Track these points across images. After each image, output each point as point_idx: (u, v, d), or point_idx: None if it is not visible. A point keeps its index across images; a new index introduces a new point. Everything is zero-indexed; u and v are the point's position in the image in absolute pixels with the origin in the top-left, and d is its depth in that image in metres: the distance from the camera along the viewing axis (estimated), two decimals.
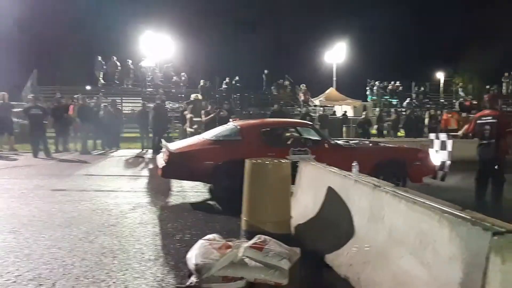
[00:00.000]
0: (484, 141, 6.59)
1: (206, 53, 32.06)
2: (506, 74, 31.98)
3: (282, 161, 4.62)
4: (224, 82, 26.68)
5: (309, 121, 16.86)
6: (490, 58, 37.12)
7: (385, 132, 18.98)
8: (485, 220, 2.61)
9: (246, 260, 3.42)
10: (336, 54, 31.40)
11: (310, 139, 7.72)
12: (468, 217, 2.64)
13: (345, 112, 22.85)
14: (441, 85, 34.65)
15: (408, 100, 28.46)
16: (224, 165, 6.54)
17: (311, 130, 8.05)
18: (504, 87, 32.31)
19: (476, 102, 27.37)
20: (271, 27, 39.22)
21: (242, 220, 4.61)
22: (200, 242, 3.68)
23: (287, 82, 27.28)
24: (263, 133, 7.55)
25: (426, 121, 18.84)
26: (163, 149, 7.26)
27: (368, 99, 29.98)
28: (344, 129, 20.16)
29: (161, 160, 7.13)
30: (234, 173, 5.72)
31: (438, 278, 2.69)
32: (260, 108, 23.49)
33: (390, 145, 8.58)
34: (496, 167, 6.42)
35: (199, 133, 11.83)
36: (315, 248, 4.19)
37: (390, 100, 29.48)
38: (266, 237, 3.70)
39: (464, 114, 18.68)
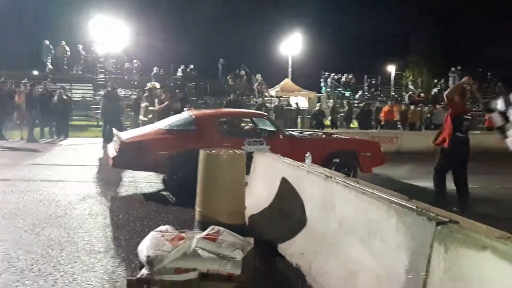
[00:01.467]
0: (463, 136, 6.49)
1: (161, 39, 31.33)
2: (453, 69, 33.45)
3: (237, 151, 4.61)
4: (179, 70, 26.23)
5: (264, 111, 16.96)
6: (438, 53, 38.76)
7: (338, 123, 19.39)
8: (430, 210, 2.72)
9: (199, 251, 3.40)
10: (292, 45, 31.62)
11: (265, 129, 7.75)
12: (414, 207, 2.74)
13: (297, 103, 23.10)
14: (392, 78, 35.75)
15: (360, 92, 29.18)
16: (178, 155, 6.47)
17: (266, 121, 8.09)
18: (450, 81, 33.80)
19: (424, 96, 28.55)
20: (228, 16, 38.96)
21: (196, 211, 4.58)
22: (152, 233, 3.62)
23: (243, 72, 27.19)
24: (218, 123, 7.51)
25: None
26: (115, 138, 7.08)
27: (322, 91, 30.47)
28: (299, 120, 20.42)
29: (112, 149, 6.95)
30: (188, 163, 5.75)
31: (385, 266, 2.78)
32: (216, 97, 23.29)
33: (342, 137, 8.80)
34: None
35: (153, 122, 11.62)
36: (268, 238, 4.23)
37: (344, 92, 30.11)
38: (220, 227, 3.68)
39: (412, 107, 19.39)
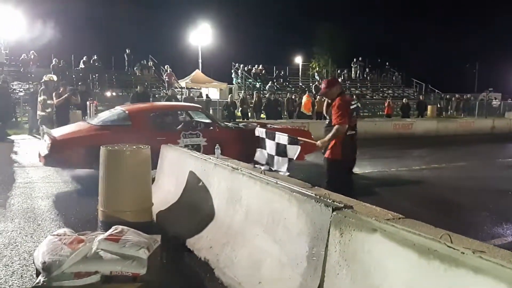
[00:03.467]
0: (353, 131, 5.24)
1: (62, 28, 29.28)
2: (355, 59, 35.53)
3: (141, 146, 4.45)
4: (82, 61, 24.76)
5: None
6: (342, 44, 40.88)
7: (249, 114, 19.64)
8: (328, 197, 2.86)
9: (101, 253, 3.25)
10: (201, 36, 31.36)
11: (200, 122, 7.77)
12: (313, 194, 2.86)
13: (207, 94, 23.02)
14: (300, 69, 37.03)
15: (270, 83, 29.85)
16: None
17: (202, 114, 8.08)
18: (353, 72, 35.91)
19: None
20: (134, 4, 37.45)
21: (99, 211, 4.36)
22: (49, 238, 3.39)
23: (151, 63, 26.42)
24: (152, 118, 7.40)
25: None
26: (44, 136, 6.82)
27: (234, 82, 30.68)
28: (210, 111, 20.35)
29: (43, 148, 6.60)
30: None
31: (288, 253, 2.88)
32: (122, 89, 22.36)
33: (276, 126, 8.97)
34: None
35: (52, 117, 10.86)
36: (177, 234, 4.17)
37: (254, 83, 30.58)
38: (124, 227, 3.55)
39: (318, 97, 20.23)
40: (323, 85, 4.88)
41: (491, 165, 10.11)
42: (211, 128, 7.55)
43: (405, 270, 2.06)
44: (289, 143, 4.30)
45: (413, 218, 3.79)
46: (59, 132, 6.99)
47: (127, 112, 7.29)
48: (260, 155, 4.64)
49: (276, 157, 4.42)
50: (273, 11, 41.14)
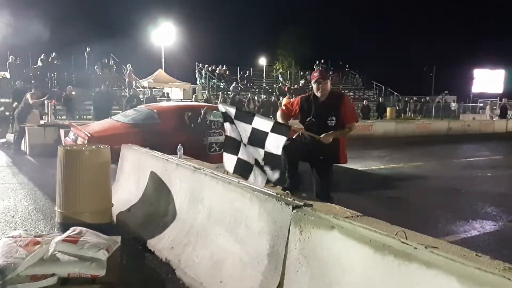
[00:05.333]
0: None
1: (18, 25, 28.15)
2: (317, 62, 36.05)
3: (101, 146, 4.37)
4: (40, 59, 23.89)
5: (136, 103, 16.38)
6: (305, 46, 41.45)
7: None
8: (289, 195, 2.90)
9: (58, 255, 3.17)
10: (164, 35, 30.98)
11: (219, 121, 7.89)
12: (274, 193, 2.90)
13: (167, 94, 22.76)
14: (264, 70, 37.22)
15: (234, 84, 29.82)
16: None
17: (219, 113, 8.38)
18: None
19: (292, 87, 30.28)
20: (95, 1, 36.54)
21: (57, 213, 4.24)
22: (3, 240, 3.27)
23: (112, 62, 25.83)
24: (180, 116, 7.59)
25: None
26: (72, 132, 7.34)
27: (197, 82, 30.48)
28: None
29: (78, 142, 6.81)
30: None
31: (249, 252, 2.90)
32: (83, 88, 21.73)
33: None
34: None
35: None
36: (138, 235, 4.12)
37: (218, 83, 30.48)
38: (82, 228, 3.48)
39: (282, 98, 20.45)
40: (317, 74, 4.28)
41: (447, 165, 10.51)
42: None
43: (361, 265, 2.12)
44: (272, 131, 3.62)
45: (372, 216, 3.91)
46: (92, 128, 7.18)
47: (155, 111, 7.64)
48: (228, 160, 4.13)
49: (251, 147, 3.78)
50: (238, 11, 41.25)
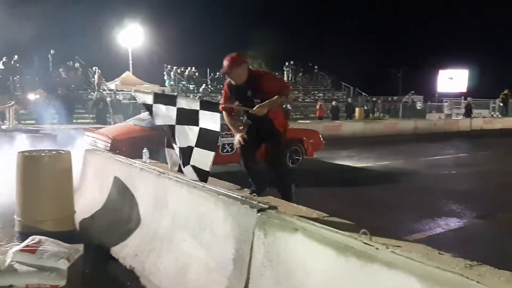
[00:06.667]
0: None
1: None
2: (287, 63, 36.27)
3: (62, 152, 4.23)
4: (1, 62, 23.10)
5: (103, 106, 16.05)
6: (275, 48, 41.64)
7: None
8: (254, 198, 2.87)
9: (16, 265, 3.05)
10: (131, 37, 30.49)
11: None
12: (239, 196, 2.86)
13: (134, 96, 22.38)
14: None
15: (204, 85, 29.62)
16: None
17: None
18: (285, 75, 36.64)
19: None
20: (60, 2, 35.56)
21: (16, 221, 4.08)
22: None
23: (77, 64, 25.22)
24: None
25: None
26: (89, 136, 7.72)
27: (166, 84, 30.11)
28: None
29: (99, 145, 7.11)
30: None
31: (215, 257, 2.85)
32: (47, 91, 21.11)
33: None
34: None
35: None
36: (101, 242, 4.00)
37: (188, 85, 30.20)
38: (42, 237, 3.35)
39: None
40: (226, 62, 4.03)
41: (413, 164, 10.73)
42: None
43: (325, 267, 2.10)
44: (202, 108, 3.52)
45: (340, 216, 3.93)
46: (112, 132, 7.56)
47: None
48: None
49: (181, 127, 3.61)
50: (207, 12, 41.04)
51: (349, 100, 26.90)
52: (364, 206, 6.27)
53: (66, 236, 3.76)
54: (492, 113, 28.64)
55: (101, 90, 21.47)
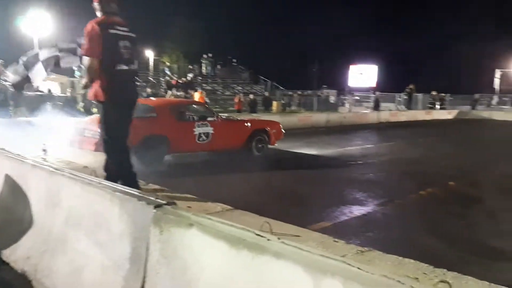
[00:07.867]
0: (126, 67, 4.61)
1: None
2: (205, 56, 36.03)
3: None
4: None
5: (3, 98, 14.79)
6: (194, 40, 41.08)
7: (94, 110, 18.38)
8: (152, 194, 2.78)
9: None
10: (36, 24, 28.28)
11: (206, 115, 9.29)
12: (135, 193, 2.75)
13: (49, 89, 20.94)
14: (151, 63, 36.07)
15: None
16: (146, 138, 7.66)
17: (205, 108, 10.21)
18: (203, 68, 36.40)
19: (180, 81, 29.83)
20: None
21: None
22: None
23: None
24: (173, 110, 8.81)
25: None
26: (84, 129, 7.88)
27: (76, 75, 28.42)
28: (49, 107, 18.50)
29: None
30: (154, 145, 7.73)
31: (111, 256, 2.72)
32: None
33: (254, 118, 12.29)
34: None
35: None
36: None
37: None
38: None
39: (170, 92, 20.03)
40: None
41: (322, 155, 11.19)
42: (215, 119, 9.21)
43: (219, 261, 2.09)
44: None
45: (248, 207, 3.96)
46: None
47: (152, 106, 8.96)
48: None
49: None
50: (125, 2, 39.29)
51: (266, 93, 27.36)
52: (272, 197, 6.43)
53: None
54: (398, 106, 30.66)
55: (2, 81, 19.70)
